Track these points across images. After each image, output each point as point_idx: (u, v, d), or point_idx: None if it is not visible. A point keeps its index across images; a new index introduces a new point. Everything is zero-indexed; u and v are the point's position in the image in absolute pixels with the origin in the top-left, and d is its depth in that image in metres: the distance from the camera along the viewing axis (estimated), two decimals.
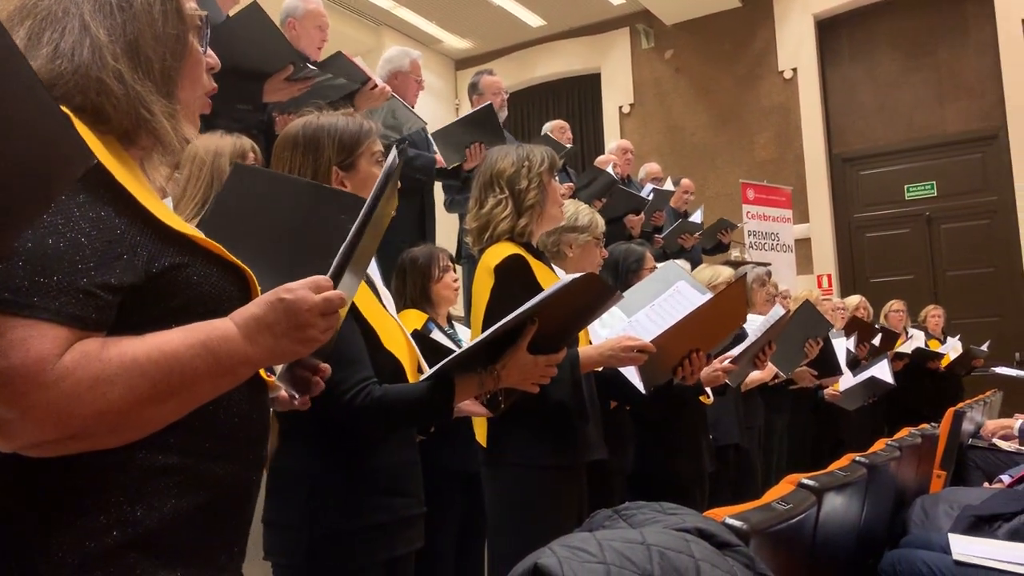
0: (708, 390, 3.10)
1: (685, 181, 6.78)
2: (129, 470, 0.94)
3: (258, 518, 1.65)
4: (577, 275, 1.67)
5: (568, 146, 5.14)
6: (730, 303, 2.54)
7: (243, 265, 1.05)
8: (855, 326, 5.42)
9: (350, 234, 1.15)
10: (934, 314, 7.15)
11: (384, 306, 1.79)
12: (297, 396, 1.33)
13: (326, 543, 1.57)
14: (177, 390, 0.93)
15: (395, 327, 1.76)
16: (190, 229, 1.01)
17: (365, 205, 1.21)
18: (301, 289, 1.01)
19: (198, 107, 1.15)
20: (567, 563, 0.87)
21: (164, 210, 1.00)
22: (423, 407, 1.64)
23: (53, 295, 0.86)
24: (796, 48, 8.95)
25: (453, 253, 3.84)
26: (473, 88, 4.98)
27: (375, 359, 1.64)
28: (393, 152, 1.38)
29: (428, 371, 1.67)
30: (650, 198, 5.71)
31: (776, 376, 4.07)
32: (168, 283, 0.96)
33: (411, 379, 1.73)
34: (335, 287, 1.06)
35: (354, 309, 1.63)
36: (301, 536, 1.58)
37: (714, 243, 6.47)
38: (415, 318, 2.94)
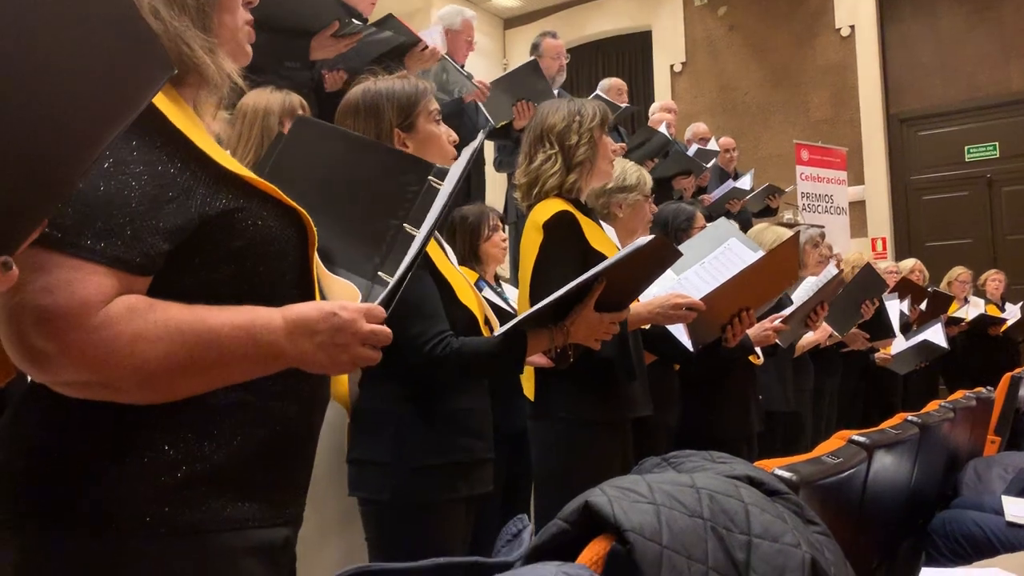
0: (758, 350, 3.08)
1: (724, 139, 6.65)
2: (198, 408, 0.98)
3: (341, 457, 1.74)
4: (647, 238, 1.74)
5: (623, 106, 5.07)
6: (782, 261, 2.51)
7: (299, 207, 1.06)
8: (906, 288, 5.29)
9: (411, 254, 1.18)
10: (994, 279, 6.94)
11: (453, 262, 1.84)
12: None
13: (411, 478, 1.67)
14: (211, 366, 0.95)
15: (465, 282, 1.82)
16: (246, 171, 1.02)
17: (441, 206, 1.24)
18: (356, 312, 1.02)
19: (240, 41, 1.14)
20: (617, 502, 0.88)
21: (220, 152, 1.01)
22: (498, 359, 1.73)
23: (100, 236, 0.89)
24: (854, 5, 8.65)
25: (501, 212, 3.85)
26: (534, 49, 4.91)
27: (450, 312, 1.73)
28: (481, 136, 1.41)
29: (496, 325, 1.74)
30: (709, 165, 5.63)
31: (831, 336, 4.02)
32: (225, 225, 0.97)
33: (482, 331, 1.81)
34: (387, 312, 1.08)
35: (430, 264, 1.68)
36: (387, 472, 1.68)
37: (762, 207, 6.36)
38: (468, 276, 2.97)
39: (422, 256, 1.54)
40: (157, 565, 0.94)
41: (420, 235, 1.21)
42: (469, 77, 4.28)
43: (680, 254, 1.90)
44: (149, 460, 0.95)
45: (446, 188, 1.30)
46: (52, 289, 0.86)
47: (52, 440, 0.95)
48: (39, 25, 0.63)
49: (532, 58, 4.26)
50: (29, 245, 0.81)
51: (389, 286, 1.13)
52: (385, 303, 1.10)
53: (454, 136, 1.85)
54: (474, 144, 1.35)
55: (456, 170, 1.32)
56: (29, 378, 0.99)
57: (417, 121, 1.77)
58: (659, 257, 1.87)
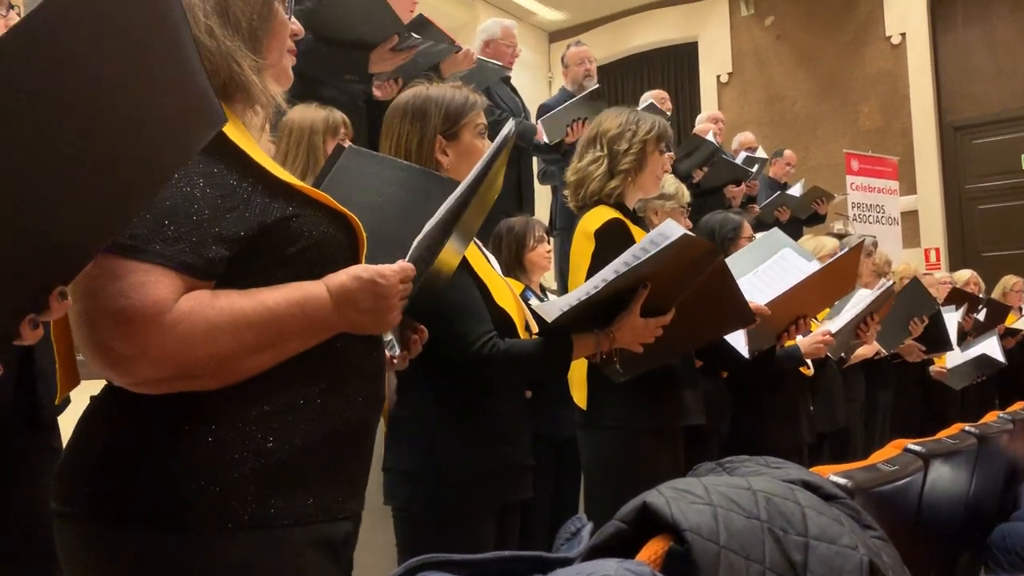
0: (808, 361, 3.06)
1: (788, 152, 6.61)
2: (260, 407, 1.02)
3: (378, 466, 1.76)
4: (676, 237, 1.67)
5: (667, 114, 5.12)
6: (844, 270, 2.52)
7: (349, 213, 1.12)
8: (959, 298, 5.15)
9: (446, 209, 1.24)
10: None
11: (493, 266, 1.86)
12: (398, 353, 1.42)
13: (444, 488, 1.66)
14: (274, 343, 1.02)
15: (504, 286, 1.83)
16: (299, 181, 1.09)
17: (473, 173, 1.29)
18: (393, 276, 1.11)
19: (284, 65, 1.21)
20: (675, 503, 0.90)
21: (273, 164, 1.08)
22: (545, 362, 1.75)
23: (169, 243, 0.95)
24: (905, 12, 8.52)
25: (546, 224, 3.90)
26: (562, 62, 5.09)
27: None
28: (510, 123, 1.42)
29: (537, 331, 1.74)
30: (753, 169, 5.62)
31: (878, 352, 3.95)
32: (282, 232, 1.04)
33: (521, 336, 1.80)
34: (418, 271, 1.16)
35: (468, 266, 1.70)
36: (421, 482, 1.67)
37: (809, 213, 6.26)
38: (513, 286, 3.00)
39: (462, 260, 1.58)
40: (224, 558, 0.98)
41: (436, 216, 1.26)
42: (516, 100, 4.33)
43: (714, 249, 1.88)
44: (214, 457, 1.00)
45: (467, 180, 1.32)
46: (127, 293, 0.92)
47: (120, 440, 1.01)
48: (110, 76, 0.70)
49: (596, 86, 4.39)
50: (102, 253, 0.87)
51: (419, 238, 1.21)
52: (414, 260, 1.18)
53: None
54: (498, 139, 1.37)
55: (478, 165, 1.35)
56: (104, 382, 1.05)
57: (462, 132, 1.78)
58: (696, 257, 1.82)
